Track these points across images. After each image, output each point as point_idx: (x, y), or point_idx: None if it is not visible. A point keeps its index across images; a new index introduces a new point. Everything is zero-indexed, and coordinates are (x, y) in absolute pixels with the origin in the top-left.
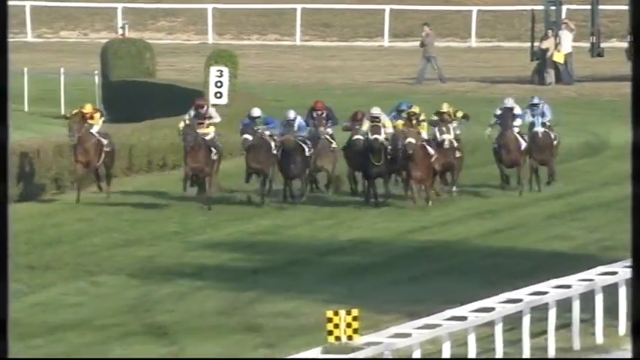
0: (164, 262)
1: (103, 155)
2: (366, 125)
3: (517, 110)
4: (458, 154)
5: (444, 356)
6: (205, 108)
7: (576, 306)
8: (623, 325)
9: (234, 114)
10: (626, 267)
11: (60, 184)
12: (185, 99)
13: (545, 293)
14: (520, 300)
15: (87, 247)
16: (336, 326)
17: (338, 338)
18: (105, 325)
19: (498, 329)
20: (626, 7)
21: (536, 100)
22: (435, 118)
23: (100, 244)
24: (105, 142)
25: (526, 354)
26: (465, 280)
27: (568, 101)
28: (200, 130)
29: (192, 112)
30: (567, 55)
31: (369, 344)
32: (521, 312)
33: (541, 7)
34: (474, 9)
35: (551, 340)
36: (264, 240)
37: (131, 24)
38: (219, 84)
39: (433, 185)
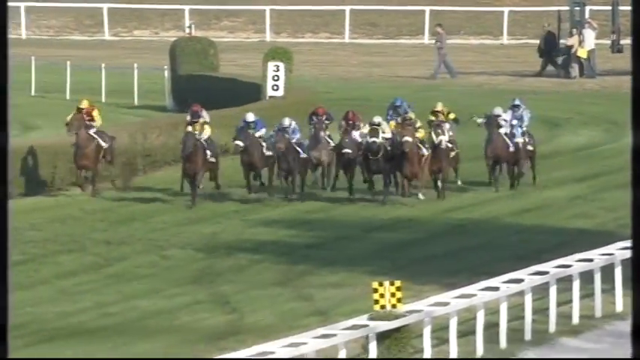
0: (226, 237)
1: (101, 155)
2: (365, 129)
3: (505, 116)
4: (453, 153)
5: (478, 323)
6: (199, 112)
7: (598, 278)
8: None
9: (290, 104)
10: None
11: (133, 168)
12: (245, 91)
13: (569, 266)
14: (547, 272)
15: (157, 225)
16: (382, 296)
17: (383, 307)
18: (173, 294)
19: (528, 299)
20: None
21: (517, 102)
22: (432, 118)
23: (169, 221)
24: (103, 142)
25: (552, 321)
26: (496, 254)
27: (591, 93)
28: (197, 132)
29: (188, 118)
30: (590, 51)
31: (410, 312)
32: (547, 283)
33: (566, 8)
34: (506, 9)
35: (576, 309)
36: (315, 218)
37: (197, 24)
38: (276, 78)
39: (422, 181)
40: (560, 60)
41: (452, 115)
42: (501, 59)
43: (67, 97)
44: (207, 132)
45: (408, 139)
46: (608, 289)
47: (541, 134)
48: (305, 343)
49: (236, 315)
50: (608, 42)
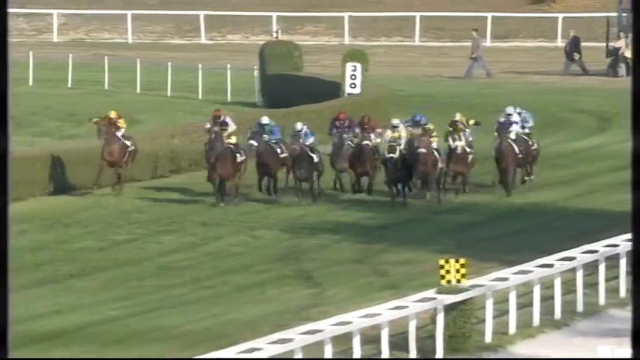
0: (309, 220)
1: (127, 155)
2: (387, 134)
3: (516, 117)
4: (470, 158)
5: (534, 296)
6: (222, 117)
7: None
8: None
9: (366, 101)
10: None
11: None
12: (326, 89)
13: (617, 245)
14: (596, 251)
15: (248, 208)
16: (448, 272)
17: (449, 281)
18: (262, 270)
19: (579, 274)
20: None
21: (509, 111)
22: (450, 129)
23: (258, 206)
24: (128, 143)
25: (602, 295)
26: (551, 234)
27: None
28: (225, 139)
29: (210, 123)
30: None
31: (474, 286)
32: (597, 260)
33: (614, 14)
34: (560, 15)
35: (622, 284)
36: (388, 202)
37: (283, 29)
38: (353, 77)
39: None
40: (609, 61)
41: (472, 121)
42: (556, 60)
43: (168, 94)
44: (233, 139)
45: (423, 150)
46: None
47: (592, 126)
48: (379, 314)
49: (318, 289)
50: None
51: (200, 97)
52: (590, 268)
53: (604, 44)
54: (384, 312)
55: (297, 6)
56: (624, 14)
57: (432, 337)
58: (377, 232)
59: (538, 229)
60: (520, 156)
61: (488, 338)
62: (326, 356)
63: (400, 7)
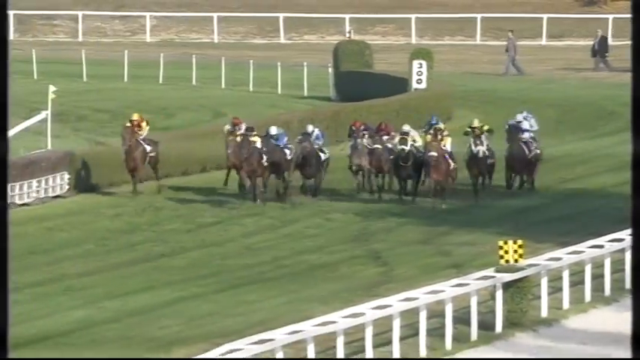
0: (379, 205)
1: (147, 159)
2: (396, 139)
3: (526, 124)
4: (490, 161)
5: (586, 275)
6: (240, 124)
7: None
8: None
9: (430, 95)
10: None
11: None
12: (394, 85)
13: None
14: None
15: (323, 194)
16: (506, 252)
17: (507, 261)
18: (335, 250)
19: (628, 255)
20: None
21: (519, 117)
22: (469, 130)
23: (334, 192)
24: (149, 148)
25: None
26: (602, 217)
27: None
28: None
29: (229, 126)
30: None
31: (530, 266)
32: None
33: None
34: (610, 16)
35: None
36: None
37: (355, 29)
38: (419, 73)
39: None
40: None
41: (486, 127)
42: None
43: (250, 89)
44: (257, 141)
45: (434, 153)
46: None
47: None
48: (443, 291)
49: (386, 267)
50: None
51: (279, 91)
52: None
53: None
54: (448, 289)
55: (368, 8)
56: None
57: (492, 311)
58: (441, 216)
59: (590, 213)
60: (530, 157)
61: (543, 313)
62: (394, 329)
63: (463, 8)
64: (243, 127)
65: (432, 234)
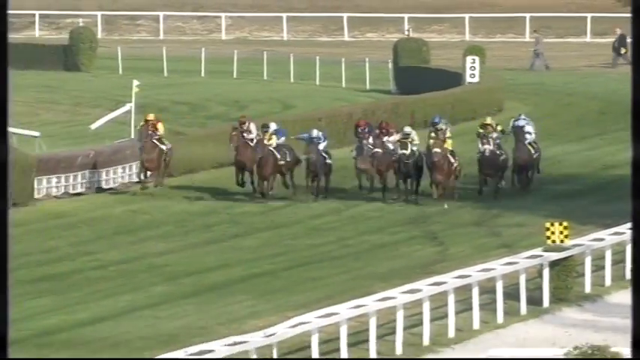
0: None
1: (163, 157)
2: (397, 137)
3: (529, 128)
4: (502, 158)
5: (627, 254)
6: (247, 123)
7: None
8: None
9: (482, 89)
10: None
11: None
12: (449, 79)
13: None
14: None
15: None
16: (553, 233)
17: (554, 241)
18: (395, 231)
19: None
20: None
21: (522, 119)
22: (480, 130)
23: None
24: (164, 147)
25: None
26: None
27: None
28: (266, 142)
29: (237, 125)
30: None
31: (575, 246)
32: None
33: None
34: None
35: None
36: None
37: (413, 28)
38: (472, 68)
39: (450, 185)
40: None
41: (499, 127)
42: None
43: (317, 83)
44: (274, 141)
45: (437, 150)
46: None
47: None
48: (494, 269)
49: (442, 247)
50: None
51: (343, 85)
52: None
53: None
54: (498, 267)
55: (425, 9)
56: None
57: (540, 288)
58: (492, 200)
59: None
60: (536, 156)
61: (587, 289)
62: (449, 305)
63: (512, 8)
64: (252, 126)
65: (485, 216)
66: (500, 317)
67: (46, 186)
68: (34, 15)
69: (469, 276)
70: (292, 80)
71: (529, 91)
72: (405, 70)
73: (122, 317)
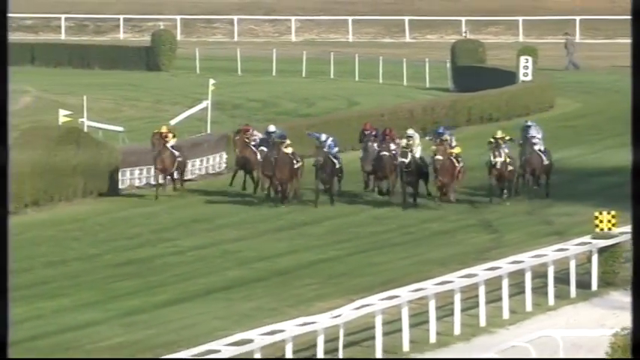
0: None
1: (176, 164)
2: (403, 143)
3: (538, 136)
4: (510, 168)
5: None
6: (250, 131)
7: None
8: None
9: (535, 86)
10: None
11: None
12: (504, 78)
13: None
14: None
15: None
16: (601, 221)
17: (602, 229)
18: (453, 219)
19: None
20: None
21: (529, 123)
22: (492, 141)
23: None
24: (177, 153)
25: None
26: None
27: None
28: (282, 149)
29: (236, 133)
30: None
31: (622, 233)
32: None
33: None
34: None
35: None
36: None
37: (470, 30)
38: (526, 67)
39: (453, 189)
40: None
41: (507, 137)
42: None
43: (380, 81)
44: (290, 148)
45: (439, 157)
46: None
47: None
48: (546, 255)
49: (497, 234)
50: None
51: (404, 83)
52: None
53: None
54: (550, 253)
55: (481, 12)
56: None
57: (588, 273)
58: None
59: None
60: (547, 163)
61: None
62: (504, 288)
63: (563, 11)
64: (257, 134)
65: (537, 206)
66: (551, 300)
67: (130, 177)
68: (118, 19)
69: (522, 261)
70: (357, 79)
71: (579, 89)
72: (463, 70)
73: (198, 299)
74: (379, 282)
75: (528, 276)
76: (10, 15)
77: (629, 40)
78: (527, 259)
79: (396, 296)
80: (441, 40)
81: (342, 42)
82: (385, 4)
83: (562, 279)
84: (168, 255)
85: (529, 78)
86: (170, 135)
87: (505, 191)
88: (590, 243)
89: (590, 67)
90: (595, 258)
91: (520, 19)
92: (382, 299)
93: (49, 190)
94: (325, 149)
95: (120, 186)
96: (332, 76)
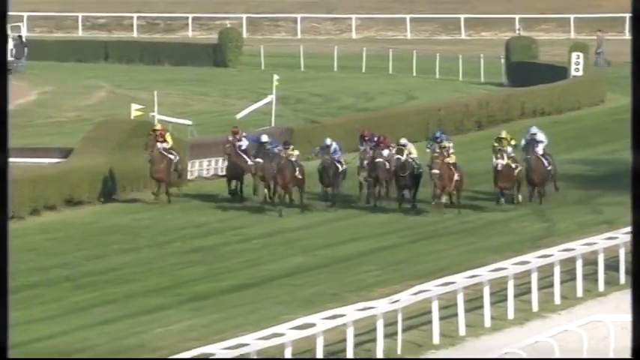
0: None
1: (172, 168)
2: (393, 150)
3: (542, 137)
4: (517, 171)
5: None
6: (240, 132)
7: None
8: None
9: (586, 81)
10: None
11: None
12: (556, 73)
13: None
14: None
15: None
16: None
17: None
18: (507, 209)
19: None
20: None
21: (534, 131)
22: (495, 144)
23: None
24: (172, 157)
25: None
26: None
27: None
28: (287, 153)
29: (230, 138)
30: None
31: None
32: None
33: None
34: None
35: None
36: (571, 169)
37: (524, 27)
38: (577, 63)
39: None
40: None
41: (513, 142)
42: None
43: (437, 76)
44: (294, 155)
45: (436, 171)
46: None
47: None
48: (596, 243)
49: (549, 224)
50: None
51: (460, 79)
52: None
53: None
54: (600, 241)
55: (534, 10)
56: None
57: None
58: (592, 182)
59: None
60: (550, 168)
61: None
62: (555, 275)
63: (614, 9)
64: (244, 141)
65: (587, 196)
66: (601, 286)
67: (198, 168)
68: (187, 18)
69: (573, 249)
70: (414, 74)
71: (629, 84)
72: (516, 65)
73: (263, 284)
74: (436, 269)
75: (579, 263)
76: (84, 14)
77: (605, 38)
78: (578, 246)
79: (452, 282)
80: (495, 37)
81: (400, 39)
82: (442, 3)
83: (611, 266)
84: (234, 243)
85: (580, 73)
86: (167, 135)
87: (520, 196)
88: None
89: None
90: None
91: (572, 16)
92: (439, 285)
93: (121, 182)
94: (331, 152)
95: (189, 177)
96: (390, 72)
